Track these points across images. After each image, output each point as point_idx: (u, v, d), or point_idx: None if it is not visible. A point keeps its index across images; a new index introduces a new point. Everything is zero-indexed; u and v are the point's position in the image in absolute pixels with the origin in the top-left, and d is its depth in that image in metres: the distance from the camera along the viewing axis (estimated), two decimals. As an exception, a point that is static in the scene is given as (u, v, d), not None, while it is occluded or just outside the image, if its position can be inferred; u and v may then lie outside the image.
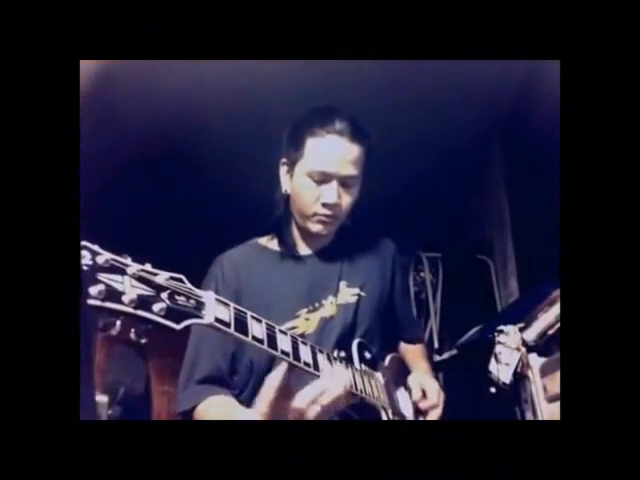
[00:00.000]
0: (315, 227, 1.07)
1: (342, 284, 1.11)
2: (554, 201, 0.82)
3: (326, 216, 1.05)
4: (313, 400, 0.77)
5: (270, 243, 1.15)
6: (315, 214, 1.05)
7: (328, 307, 1.07)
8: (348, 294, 1.11)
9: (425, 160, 2.46)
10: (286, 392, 0.78)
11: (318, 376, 0.81)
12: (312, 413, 0.77)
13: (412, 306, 2.55)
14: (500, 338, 1.61)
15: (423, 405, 1.04)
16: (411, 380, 1.07)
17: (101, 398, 2.17)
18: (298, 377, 0.80)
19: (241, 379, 1.02)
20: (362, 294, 1.11)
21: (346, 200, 1.05)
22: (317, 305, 1.06)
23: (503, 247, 2.53)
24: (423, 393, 1.05)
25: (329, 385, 0.79)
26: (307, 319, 1.04)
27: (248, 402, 0.96)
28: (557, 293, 1.47)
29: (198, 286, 0.71)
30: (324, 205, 1.03)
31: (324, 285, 1.10)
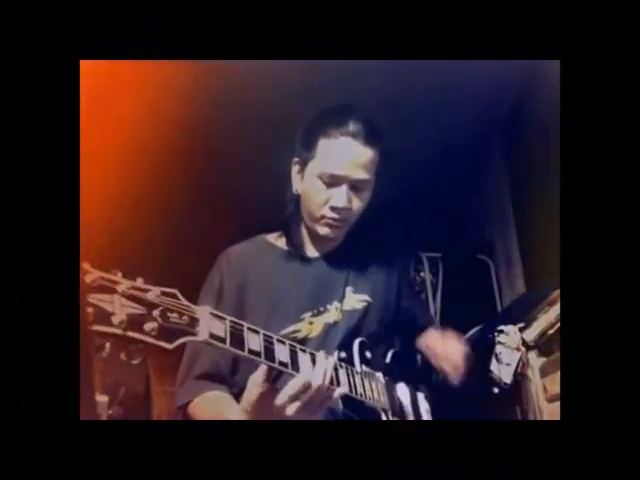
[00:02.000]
0: (323, 230, 1.05)
1: (348, 290, 1.09)
2: (554, 201, 0.82)
3: (334, 220, 1.03)
4: (292, 397, 0.76)
5: (278, 241, 1.13)
6: (323, 217, 1.03)
7: (333, 312, 1.05)
8: (354, 300, 1.09)
9: (425, 160, 2.45)
10: (270, 391, 0.77)
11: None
12: (291, 410, 0.76)
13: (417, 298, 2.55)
14: (500, 338, 1.62)
15: (445, 363, 1.07)
16: (430, 337, 1.10)
17: (101, 398, 2.17)
18: (281, 376, 0.79)
19: (242, 379, 1.02)
20: (369, 300, 1.10)
21: (356, 204, 1.02)
22: (322, 309, 1.05)
23: (506, 247, 2.53)
24: (445, 351, 1.08)
25: (308, 380, 0.77)
26: (311, 323, 1.03)
27: None
28: (557, 293, 1.47)
29: (195, 297, 0.70)
30: (333, 209, 1.01)
31: (330, 289, 1.08)
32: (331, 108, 1.05)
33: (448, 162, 2.47)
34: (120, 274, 0.62)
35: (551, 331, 1.52)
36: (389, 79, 1.91)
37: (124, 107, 1.95)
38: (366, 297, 1.10)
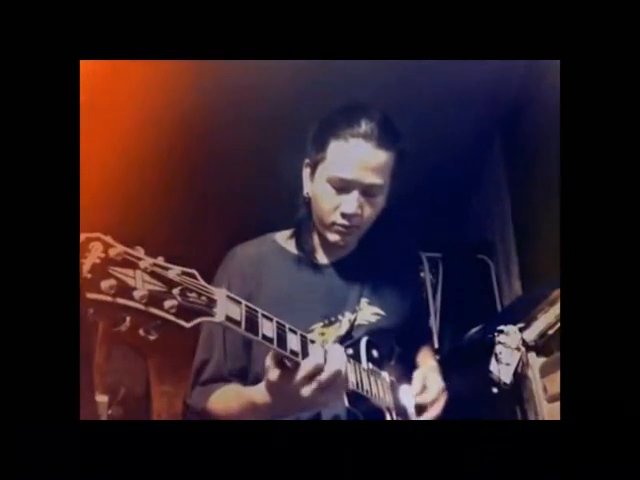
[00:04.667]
0: (333, 237, 1.01)
1: (363, 301, 1.05)
2: (554, 201, 0.82)
3: (345, 227, 0.98)
4: (308, 377, 0.73)
5: (288, 244, 1.09)
6: (334, 224, 0.98)
7: (345, 324, 1.01)
8: (368, 313, 1.05)
9: (425, 160, 2.45)
10: (288, 372, 0.75)
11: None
12: (307, 391, 0.74)
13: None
14: (500, 338, 1.62)
15: (421, 399, 1.00)
16: (416, 374, 1.03)
17: (101, 398, 2.17)
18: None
19: (253, 378, 0.99)
20: (383, 314, 1.05)
21: (368, 211, 0.98)
22: (333, 319, 1.01)
23: (506, 247, 2.53)
24: (424, 387, 1.02)
25: (320, 363, 0.74)
26: (322, 334, 0.99)
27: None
28: (557, 293, 1.47)
29: (210, 280, 0.70)
30: (343, 215, 0.97)
31: (342, 299, 1.04)
32: (344, 107, 1.00)
33: (448, 162, 2.48)
34: (143, 251, 0.62)
35: (551, 331, 1.52)
36: (388, 79, 1.92)
37: (124, 107, 1.95)
38: (380, 310, 1.06)
